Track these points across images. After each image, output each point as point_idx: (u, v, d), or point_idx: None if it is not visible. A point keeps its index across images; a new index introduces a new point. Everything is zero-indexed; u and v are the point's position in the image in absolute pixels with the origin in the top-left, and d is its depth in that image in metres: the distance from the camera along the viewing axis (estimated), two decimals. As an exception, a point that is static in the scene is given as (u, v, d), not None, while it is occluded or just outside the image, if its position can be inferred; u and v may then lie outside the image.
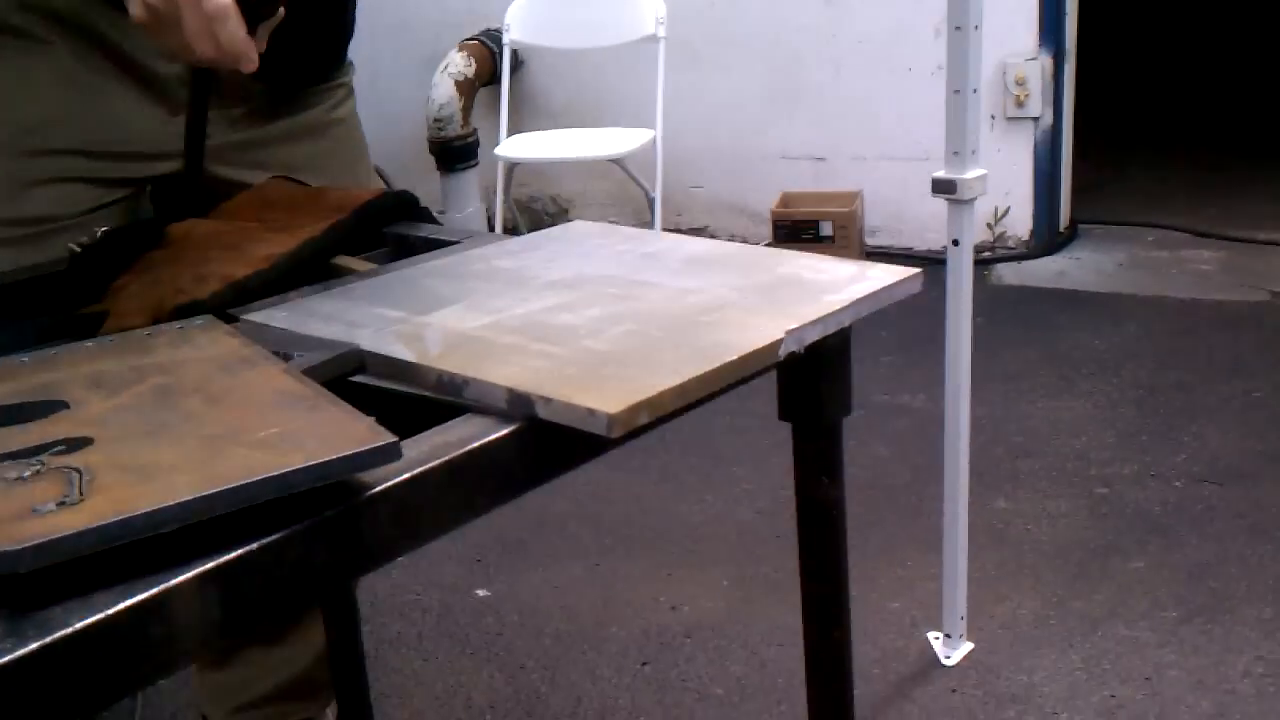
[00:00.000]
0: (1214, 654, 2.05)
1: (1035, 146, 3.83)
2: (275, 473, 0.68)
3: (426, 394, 0.86)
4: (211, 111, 1.39)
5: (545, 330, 0.91)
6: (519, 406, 0.81)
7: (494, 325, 0.93)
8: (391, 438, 0.72)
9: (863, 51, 3.96)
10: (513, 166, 3.76)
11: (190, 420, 0.76)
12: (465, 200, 4.37)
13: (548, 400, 0.79)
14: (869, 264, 1.02)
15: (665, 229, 3.97)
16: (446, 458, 0.77)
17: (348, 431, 0.73)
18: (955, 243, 1.96)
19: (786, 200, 3.92)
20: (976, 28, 1.85)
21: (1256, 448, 2.72)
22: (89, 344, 0.90)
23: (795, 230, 3.81)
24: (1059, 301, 3.63)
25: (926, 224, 3.97)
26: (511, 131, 3.92)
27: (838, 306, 0.93)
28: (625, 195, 4.23)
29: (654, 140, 3.72)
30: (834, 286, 0.97)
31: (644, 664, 2.15)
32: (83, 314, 1.12)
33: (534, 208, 4.60)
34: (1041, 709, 1.97)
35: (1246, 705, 1.91)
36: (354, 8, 1.59)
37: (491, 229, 4.01)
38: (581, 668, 2.15)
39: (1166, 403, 2.98)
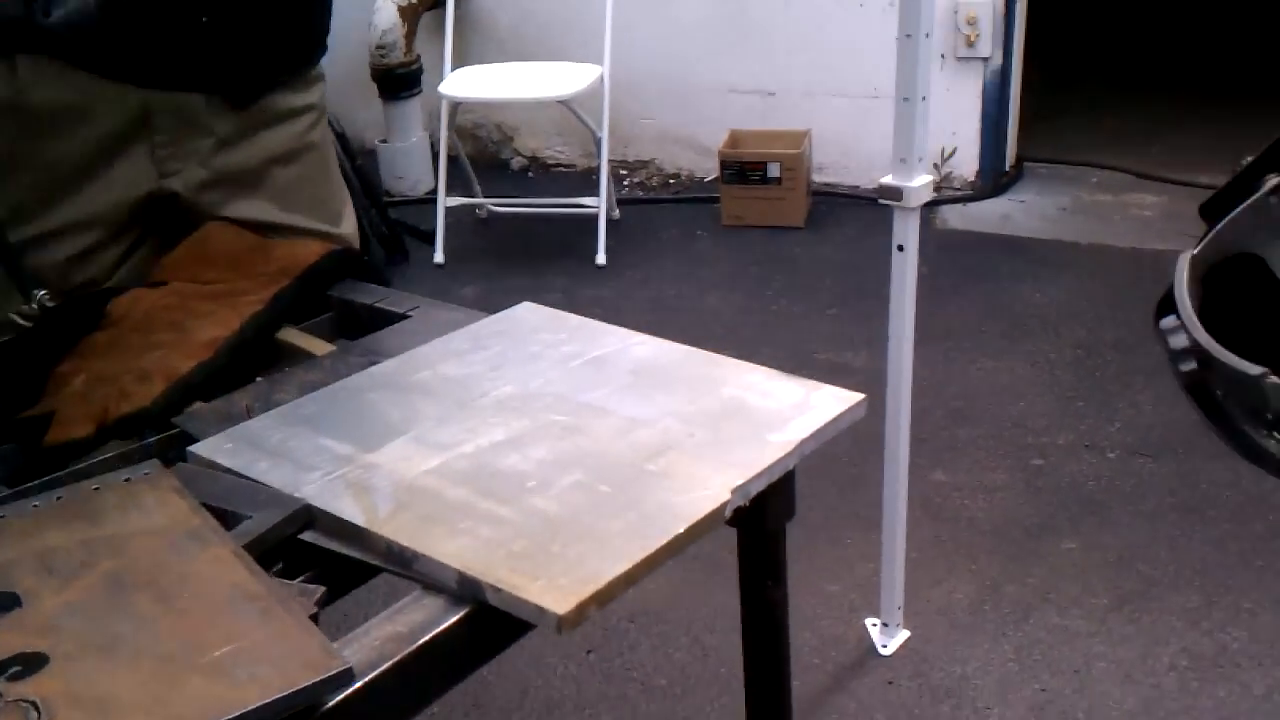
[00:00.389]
0: (1141, 645, 2.12)
1: (984, 87, 3.81)
2: (232, 715, 0.69)
3: (375, 563, 0.87)
4: (179, 147, 1.36)
5: (493, 480, 0.92)
6: (469, 589, 0.82)
7: (442, 470, 0.93)
8: (344, 663, 0.73)
9: (813, -15, 3.91)
10: (457, 104, 3.69)
11: (143, 629, 0.76)
12: (409, 129, 4.29)
13: (497, 589, 0.81)
14: (814, 385, 1.04)
15: (612, 160, 3.92)
16: (398, 657, 0.78)
17: (301, 653, 0.74)
18: (900, 248, 1.96)
19: (735, 140, 3.89)
20: (927, 35, 1.83)
21: (1190, 417, 2.75)
22: (36, 504, 0.90)
23: (743, 171, 3.79)
24: (1002, 249, 3.65)
25: (874, 162, 3.95)
26: (455, 59, 3.84)
27: (782, 453, 0.94)
28: (570, 127, 4.17)
29: (601, 78, 3.66)
30: (779, 419, 0.98)
31: (589, 651, 2.20)
32: (26, 418, 1.11)
33: (478, 135, 4.53)
34: (974, 703, 2.03)
35: (1171, 701, 1.99)
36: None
37: (435, 158, 3.95)
38: (528, 655, 2.19)
39: (1104, 365, 3.03)
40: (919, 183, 1.92)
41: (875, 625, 2.21)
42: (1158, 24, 5.68)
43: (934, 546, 2.43)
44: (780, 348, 3.19)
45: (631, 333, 1.14)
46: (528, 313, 1.20)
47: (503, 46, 4.27)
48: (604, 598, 0.80)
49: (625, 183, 4.30)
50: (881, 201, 1.96)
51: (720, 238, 3.88)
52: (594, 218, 3.75)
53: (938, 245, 3.66)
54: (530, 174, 4.52)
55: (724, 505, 0.88)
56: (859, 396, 1.01)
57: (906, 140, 1.89)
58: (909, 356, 2.07)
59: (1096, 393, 2.92)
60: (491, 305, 1.46)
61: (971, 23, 3.72)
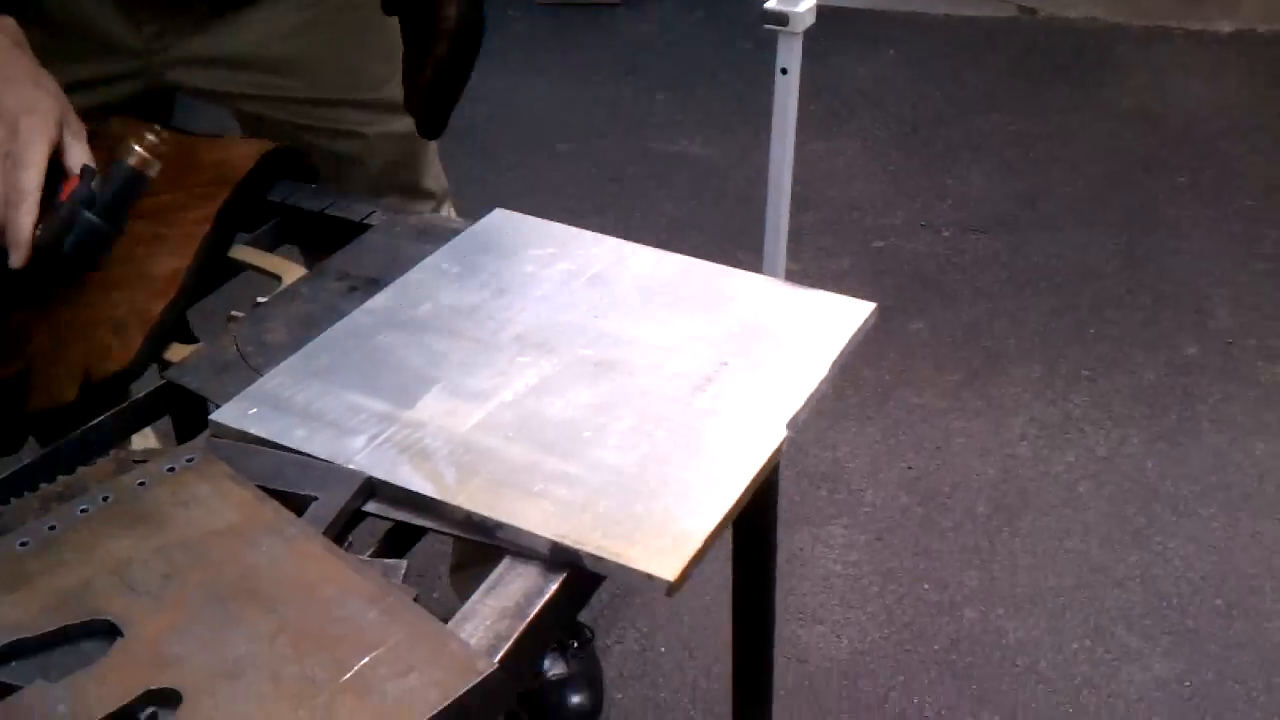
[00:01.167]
0: (994, 418, 2.32)
1: None
2: (403, 738, 0.70)
3: (452, 532, 0.88)
4: (167, 23, 1.26)
5: (546, 433, 0.92)
6: (563, 555, 0.84)
7: (490, 424, 0.93)
8: (491, 665, 0.75)
9: None
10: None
11: (265, 648, 0.75)
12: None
13: (598, 557, 0.83)
14: (824, 296, 1.06)
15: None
16: (516, 635, 0.80)
17: (443, 655, 0.75)
18: (784, 71, 1.97)
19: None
20: None
21: (1014, 190, 2.94)
22: (84, 507, 0.86)
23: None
24: (820, 21, 3.66)
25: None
26: None
27: (820, 378, 0.97)
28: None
29: None
30: (803, 338, 1.01)
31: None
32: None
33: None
34: (849, 486, 2.20)
35: (1026, 469, 2.20)
36: None
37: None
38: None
39: (929, 140, 3.15)
40: (804, 7, 1.92)
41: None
42: None
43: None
44: (614, 139, 3.17)
45: (620, 242, 1.13)
46: (504, 221, 1.17)
47: None
48: (702, 555, 0.84)
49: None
50: (766, 26, 1.95)
51: (535, 18, 3.76)
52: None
53: (757, 20, 3.65)
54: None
55: (785, 440, 0.92)
56: (871, 306, 1.04)
57: (791, -38, 1.87)
58: (789, 175, 2.11)
59: (925, 170, 3.04)
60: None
61: None
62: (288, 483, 0.89)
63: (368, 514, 0.89)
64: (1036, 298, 2.61)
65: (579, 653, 1.77)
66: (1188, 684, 1.82)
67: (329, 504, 0.87)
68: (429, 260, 1.12)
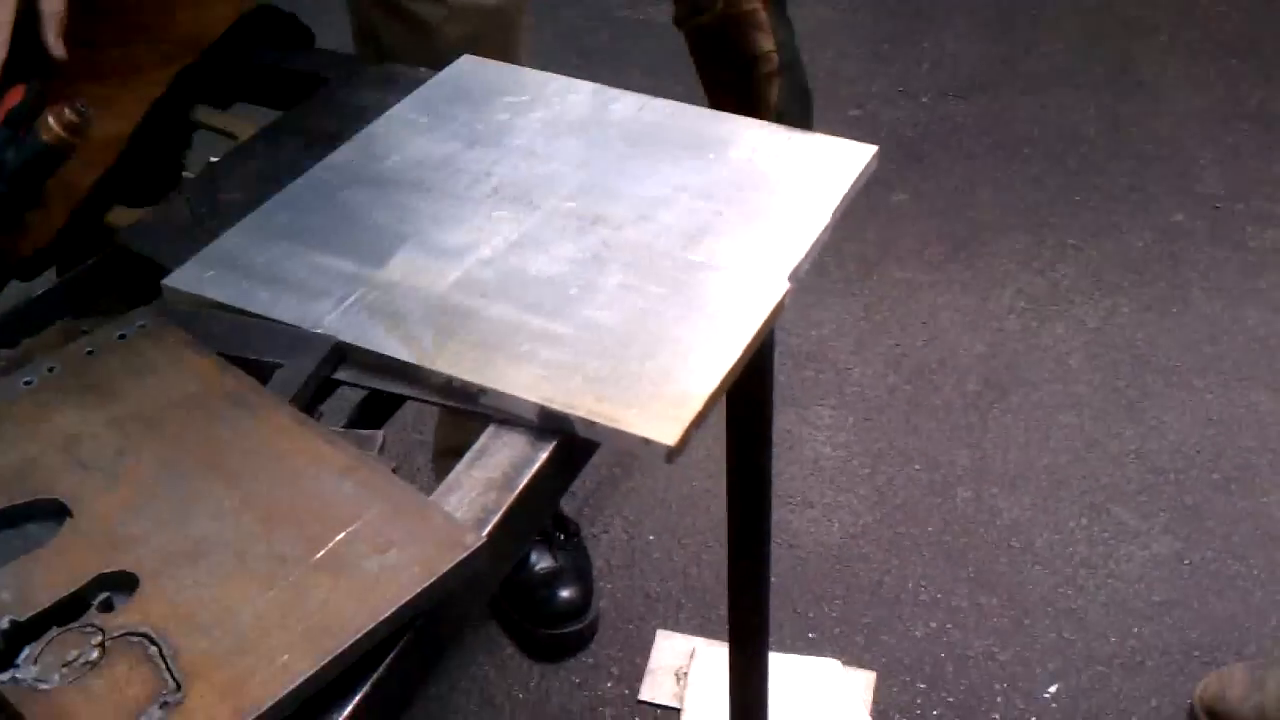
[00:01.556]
0: (980, 290, 2.25)
1: None
2: (383, 618, 0.64)
3: (433, 400, 0.81)
4: None
5: (529, 291, 0.85)
6: (553, 422, 0.78)
7: (468, 283, 0.86)
8: (479, 539, 0.68)
9: None
10: None
11: (229, 525, 0.69)
12: None
13: (590, 422, 0.76)
14: (822, 139, 0.99)
15: None
16: (504, 508, 0.74)
17: (425, 529, 0.69)
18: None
19: None
20: None
21: (991, 53, 2.84)
22: (28, 379, 0.78)
23: None
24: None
25: None
26: None
27: (822, 226, 0.90)
28: None
29: None
30: (801, 184, 0.94)
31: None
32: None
33: None
34: (835, 365, 2.14)
35: (1015, 342, 2.15)
36: None
37: None
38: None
39: (902, 6, 3.04)
40: None
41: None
42: None
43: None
44: (575, 7, 3.04)
45: (600, 86, 1.05)
46: (474, 68, 1.08)
47: None
48: (703, 418, 0.77)
49: None
50: None
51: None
52: None
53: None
54: None
55: (787, 294, 0.85)
56: (872, 149, 0.97)
57: None
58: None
59: (901, 34, 2.94)
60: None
61: None
62: (250, 349, 0.82)
63: (339, 382, 0.83)
64: (1020, 165, 2.53)
65: (566, 545, 1.71)
66: (1187, 562, 1.78)
67: (296, 371, 0.80)
68: (394, 111, 1.03)
